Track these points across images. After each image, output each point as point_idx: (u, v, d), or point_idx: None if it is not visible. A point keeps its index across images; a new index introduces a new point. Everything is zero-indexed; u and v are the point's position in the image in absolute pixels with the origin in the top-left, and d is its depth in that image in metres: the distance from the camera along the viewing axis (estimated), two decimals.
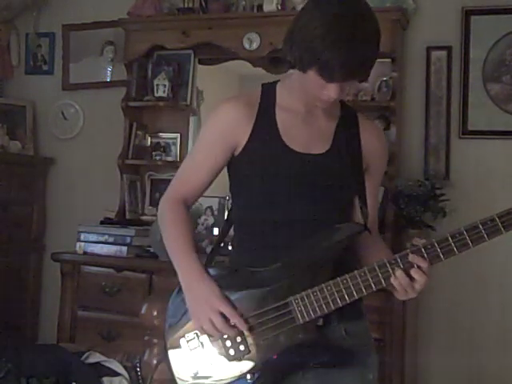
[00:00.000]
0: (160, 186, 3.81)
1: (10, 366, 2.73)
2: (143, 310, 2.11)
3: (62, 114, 4.25)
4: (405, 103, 3.53)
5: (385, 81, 3.47)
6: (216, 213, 3.66)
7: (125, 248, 3.50)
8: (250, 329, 1.53)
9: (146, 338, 2.15)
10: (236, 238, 1.72)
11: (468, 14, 3.43)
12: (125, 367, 2.63)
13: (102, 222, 3.71)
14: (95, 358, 2.95)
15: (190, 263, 1.58)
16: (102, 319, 3.43)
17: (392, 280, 1.48)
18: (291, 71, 1.64)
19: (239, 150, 1.64)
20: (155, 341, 2.11)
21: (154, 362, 2.13)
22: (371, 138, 1.70)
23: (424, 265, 1.47)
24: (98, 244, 3.57)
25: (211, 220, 3.69)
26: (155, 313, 2.07)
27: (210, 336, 1.55)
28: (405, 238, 3.30)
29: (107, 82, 4.15)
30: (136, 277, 3.41)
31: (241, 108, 1.64)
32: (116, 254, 3.51)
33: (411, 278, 1.48)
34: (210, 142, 1.67)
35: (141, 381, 2.34)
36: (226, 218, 1.77)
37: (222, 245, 1.84)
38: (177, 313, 1.61)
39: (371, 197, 1.72)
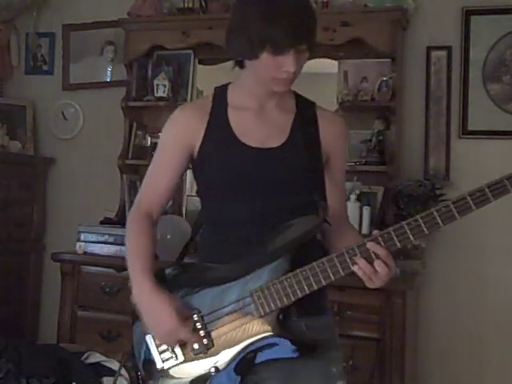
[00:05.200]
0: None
1: (10, 365, 2.73)
2: None
3: (62, 114, 4.25)
4: (405, 103, 3.53)
5: (385, 81, 3.47)
6: None
7: (125, 248, 3.49)
8: (213, 323, 1.56)
9: None
10: (200, 238, 1.74)
11: (468, 14, 3.43)
12: (125, 367, 2.63)
13: (101, 222, 3.71)
14: (95, 357, 2.95)
15: (144, 283, 1.59)
16: (102, 319, 3.43)
17: (355, 269, 1.49)
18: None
19: (196, 152, 1.67)
20: None
21: None
22: (330, 128, 1.72)
23: (381, 252, 1.48)
24: (97, 244, 3.57)
25: None
26: None
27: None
28: None
29: (107, 82, 4.15)
30: None
31: (192, 112, 1.71)
32: (116, 253, 3.51)
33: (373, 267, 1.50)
34: (166, 149, 1.73)
35: (141, 381, 2.34)
36: (195, 219, 1.79)
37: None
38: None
39: (336, 186, 1.75)
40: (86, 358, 2.97)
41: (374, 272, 1.49)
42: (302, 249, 1.54)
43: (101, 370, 2.86)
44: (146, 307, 1.58)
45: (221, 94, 1.72)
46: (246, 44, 1.54)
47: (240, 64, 1.65)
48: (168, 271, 1.66)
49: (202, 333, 1.56)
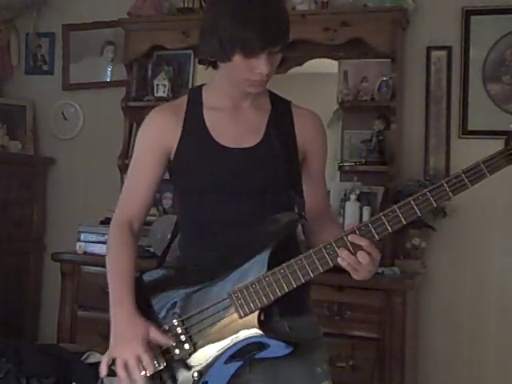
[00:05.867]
0: (159, 186, 3.81)
1: (10, 365, 2.73)
2: None
3: (62, 114, 4.25)
4: (405, 103, 3.53)
5: (385, 81, 3.47)
6: None
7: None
8: (194, 327, 1.54)
9: None
10: (180, 239, 1.72)
11: (468, 14, 3.43)
12: None
13: (101, 222, 3.71)
14: (95, 358, 2.95)
15: (122, 305, 1.64)
16: (102, 319, 3.41)
17: (339, 260, 1.47)
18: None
19: (172, 154, 1.66)
20: None
21: None
22: (306, 125, 1.70)
23: (364, 243, 1.46)
24: (97, 244, 3.57)
25: None
26: None
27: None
28: (405, 238, 3.30)
29: (107, 82, 4.15)
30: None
31: (166, 114, 1.68)
32: None
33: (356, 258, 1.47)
34: (143, 154, 1.70)
35: None
36: (175, 222, 1.78)
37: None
38: None
39: (315, 183, 1.73)
40: (86, 358, 2.97)
41: (358, 262, 1.47)
42: (280, 247, 1.52)
43: None
44: (119, 328, 1.63)
45: (195, 95, 1.70)
46: (217, 46, 1.52)
47: (213, 65, 1.63)
48: (148, 275, 1.65)
49: (183, 337, 1.54)
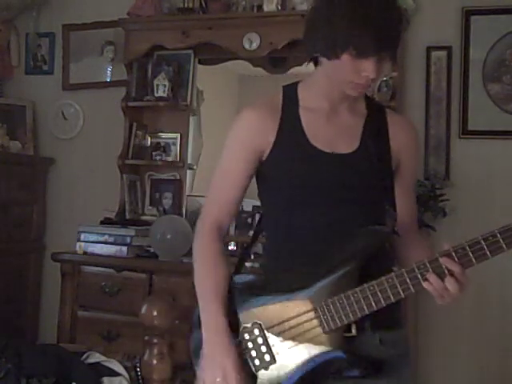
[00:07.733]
0: (160, 186, 3.81)
1: (10, 366, 2.73)
2: (143, 310, 2.10)
3: (62, 114, 4.25)
4: (405, 103, 3.53)
5: (385, 81, 3.47)
6: None
7: (125, 248, 3.50)
8: (275, 338, 1.50)
9: (146, 337, 2.15)
10: (266, 244, 1.67)
11: (468, 13, 3.44)
12: (125, 367, 2.63)
13: (102, 222, 3.71)
14: (95, 358, 2.95)
15: (216, 323, 1.53)
16: (102, 319, 3.43)
17: (425, 285, 1.42)
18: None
19: (266, 155, 1.59)
20: (155, 341, 2.11)
21: (154, 361, 2.13)
22: (401, 133, 1.64)
23: (456, 269, 1.42)
24: (97, 244, 3.57)
25: None
26: (155, 313, 2.06)
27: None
28: None
29: (107, 81, 4.15)
30: (136, 277, 3.40)
31: (262, 114, 1.61)
32: (116, 254, 3.51)
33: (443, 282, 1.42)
34: (235, 155, 1.63)
35: (141, 381, 2.34)
36: (256, 225, 1.75)
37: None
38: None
39: (406, 195, 1.68)
40: (86, 358, 2.96)
41: (445, 289, 1.42)
42: (369, 261, 1.47)
43: (101, 370, 2.86)
44: (214, 344, 1.53)
45: (290, 93, 1.63)
46: (328, 42, 1.46)
47: (314, 62, 1.57)
48: (238, 278, 1.60)
49: (263, 348, 1.50)
